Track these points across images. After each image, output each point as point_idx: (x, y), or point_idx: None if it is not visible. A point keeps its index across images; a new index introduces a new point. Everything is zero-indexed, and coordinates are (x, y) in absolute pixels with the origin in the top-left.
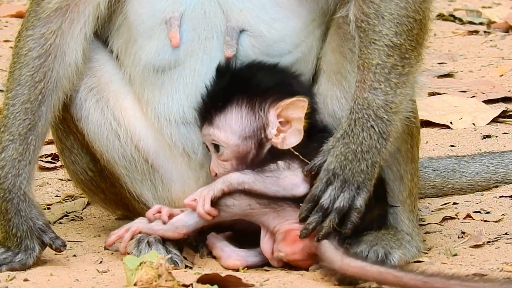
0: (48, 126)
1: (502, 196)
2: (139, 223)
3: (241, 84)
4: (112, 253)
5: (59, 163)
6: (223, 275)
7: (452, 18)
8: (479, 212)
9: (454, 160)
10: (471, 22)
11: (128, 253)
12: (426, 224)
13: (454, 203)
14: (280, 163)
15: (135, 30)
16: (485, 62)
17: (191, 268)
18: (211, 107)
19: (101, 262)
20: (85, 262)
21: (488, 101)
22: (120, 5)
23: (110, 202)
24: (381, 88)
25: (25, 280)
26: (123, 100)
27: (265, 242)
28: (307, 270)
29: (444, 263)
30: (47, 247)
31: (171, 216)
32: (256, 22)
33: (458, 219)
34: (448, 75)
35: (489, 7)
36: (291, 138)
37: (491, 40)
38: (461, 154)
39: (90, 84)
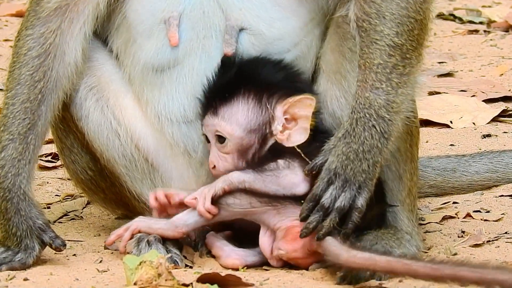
0: (48, 126)
1: (502, 195)
2: (138, 222)
3: (248, 76)
4: (112, 253)
5: (59, 163)
6: (223, 274)
7: (452, 17)
8: (479, 211)
9: (454, 159)
10: (471, 22)
11: (128, 253)
12: (426, 224)
13: (454, 202)
14: (280, 162)
15: (134, 29)
16: (485, 61)
17: (191, 267)
18: (216, 97)
19: (101, 261)
20: (85, 262)
21: (488, 100)
22: (119, 5)
23: (110, 202)
24: (383, 87)
25: (25, 279)
26: (123, 99)
27: (264, 240)
28: (307, 269)
29: None
30: (47, 246)
31: (169, 197)
32: (256, 21)
33: (458, 218)
34: (448, 74)
35: (489, 7)
36: (297, 135)
37: (491, 40)
38: (461, 153)
39: (90, 84)
